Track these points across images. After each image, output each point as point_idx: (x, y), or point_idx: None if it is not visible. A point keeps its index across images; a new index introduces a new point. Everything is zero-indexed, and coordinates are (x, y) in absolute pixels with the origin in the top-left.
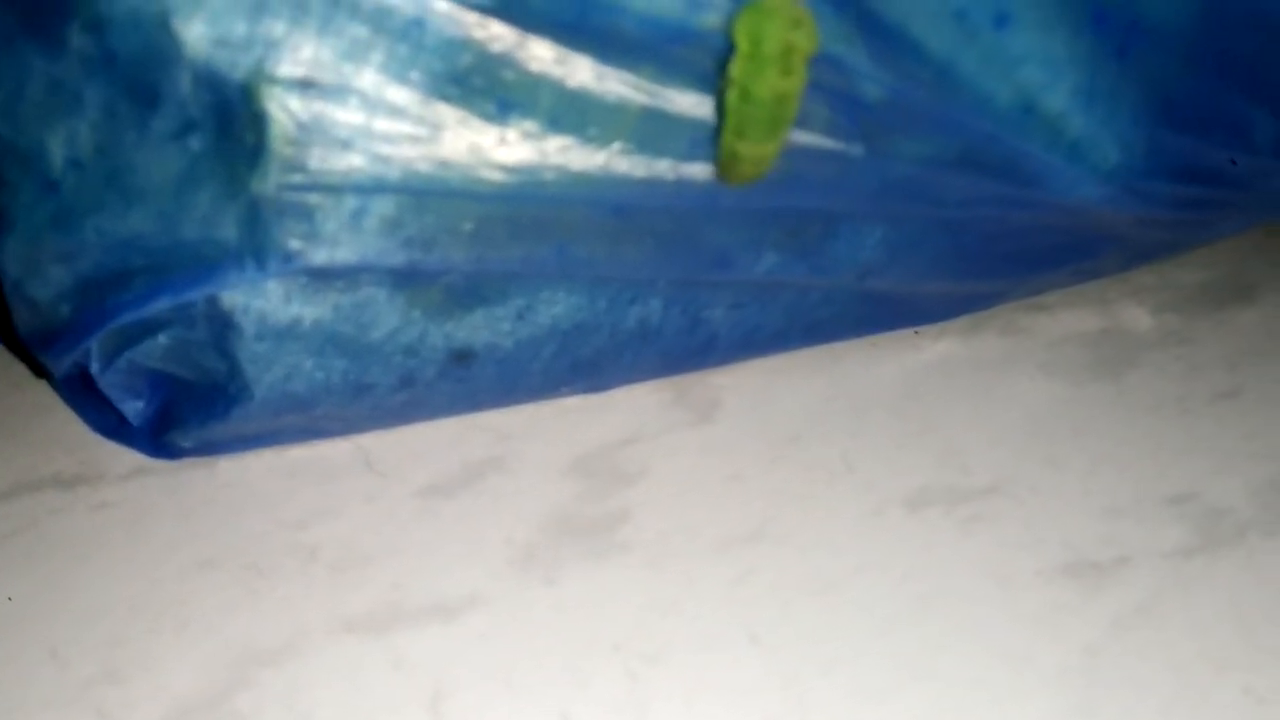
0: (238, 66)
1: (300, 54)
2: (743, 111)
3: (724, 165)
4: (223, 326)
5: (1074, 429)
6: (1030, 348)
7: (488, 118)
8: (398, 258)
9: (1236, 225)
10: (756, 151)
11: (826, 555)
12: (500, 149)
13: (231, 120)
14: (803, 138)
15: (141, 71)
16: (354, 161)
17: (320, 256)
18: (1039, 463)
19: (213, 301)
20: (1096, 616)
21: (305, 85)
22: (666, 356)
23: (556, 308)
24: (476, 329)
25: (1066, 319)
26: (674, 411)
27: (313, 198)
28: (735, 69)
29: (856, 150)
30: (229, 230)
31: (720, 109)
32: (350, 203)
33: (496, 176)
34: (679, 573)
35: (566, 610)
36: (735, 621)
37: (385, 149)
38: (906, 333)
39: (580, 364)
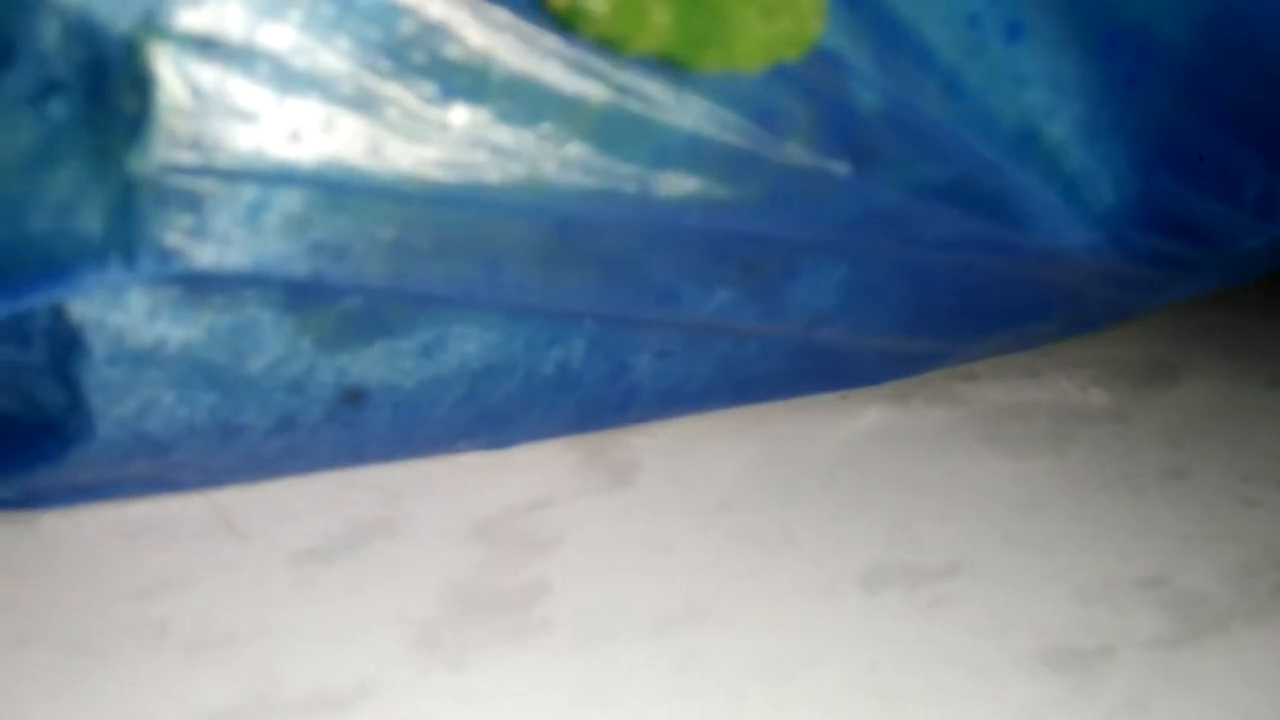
0: (121, 16)
1: (202, 6)
2: None
3: None
4: (67, 346)
5: (1024, 505)
6: (965, 418)
7: (427, 100)
8: (300, 267)
9: (1187, 290)
10: None
11: (779, 639)
12: (439, 140)
13: (107, 83)
14: (784, 151)
15: None
16: (259, 142)
17: (206, 258)
18: (996, 541)
19: (59, 313)
20: (1088, 714)
21: (205, 44)
22: (582, 409)
23: (468, 345)
24: (374, 365)
25: (996, 389)
26: (586, 473)
27: (203, 184)
28: None
29: (841, 169)
30: (92, 220)
31: None
32: (249, 193)
33: (431, 174)
34: (611, 658)
35: (479, 703)
36: (682, 715)
37: (299, 129)
38: (831, 398)
39: (487, 413)
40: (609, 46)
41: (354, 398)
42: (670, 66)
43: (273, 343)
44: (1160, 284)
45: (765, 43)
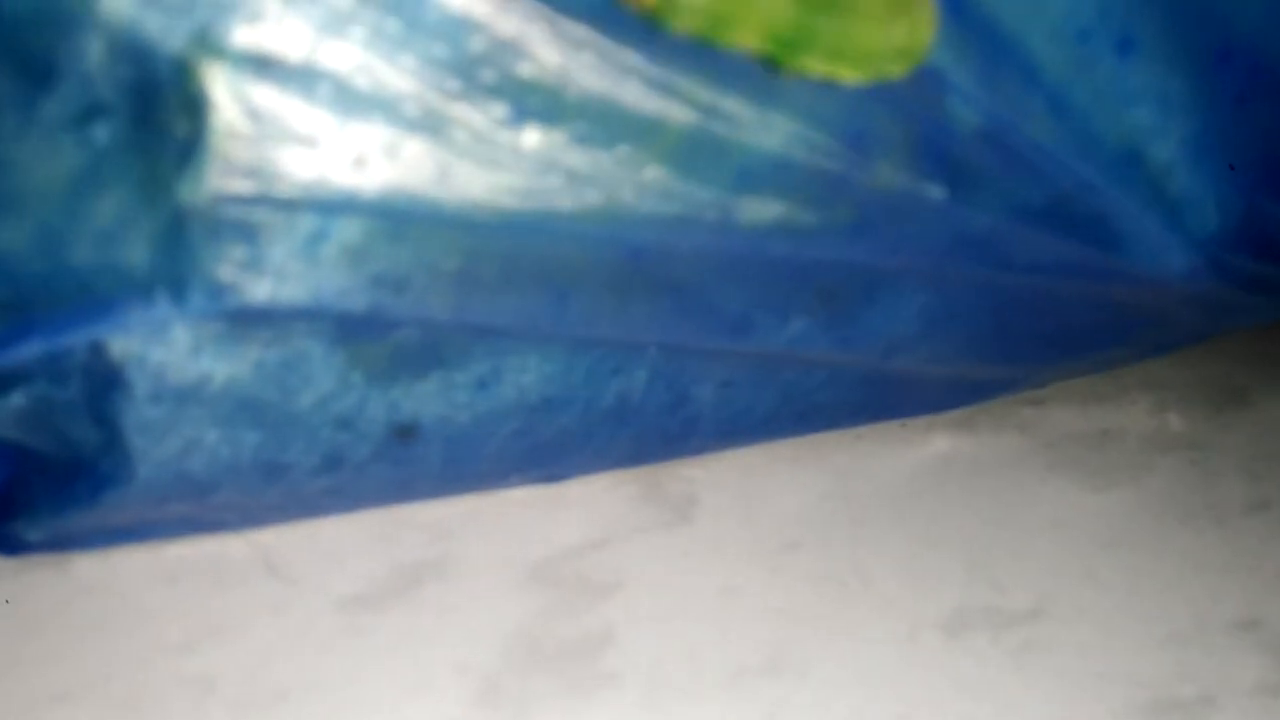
0: (173, 34)
1: (259, 22)
2: None
3: None
4: (106, 383)
5: (1105, 541)
6: (1032, 447)
7: (498, 123)
8: (359, 300)
9: (1271, 314)
10: None
11: (863, 692)
12: (510, 165)
13: (157, 105)
14: (875, 174)
15: (32, 36)
16: (319, 169)
17: (260, 292)
18: (1078, 580)
19: (98, 350)
20: None
21: (262, 64)
22: (640, 442)
23: (525, 377)
24: (427, 399)
25: (1062, 416)
26: (644, 509)
27: (259, 213)
28: None
29: (936, 192)
30: (138, 252)
31: None
32: (307, 223)
33: (501, 201)
34: (687, 714)
35: None
36: None
37: (361, 155)
38: (892, 425)
39: (541, 447)
40: (702, 42)
41: (405, 433)
42: (763, 72)
43: (322, 377)
44: (1248, 308)
45: (874, 52)
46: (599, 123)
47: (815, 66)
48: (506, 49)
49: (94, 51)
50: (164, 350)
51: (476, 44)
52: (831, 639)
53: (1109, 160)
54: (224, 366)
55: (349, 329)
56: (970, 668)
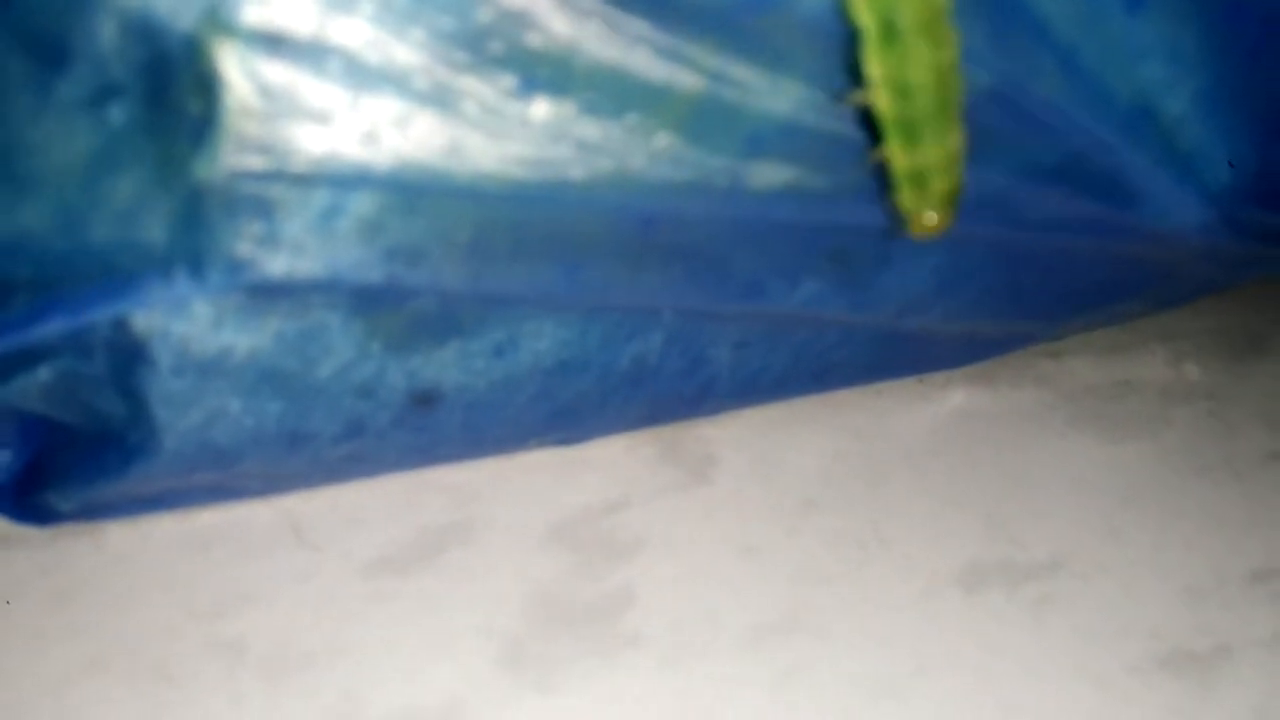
0: (183, 13)
1: (268, 0)
2: (905, 113)
3: (910, 199)
4: (130, 357)
5: (1123, 494)
6: (1050, 400)
7: (507, 94)
8: (375, 273)
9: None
10: (939, 154)
11: (881, 649)
12: (520, 136)
13: (170, 84)
14: None
15: (46, 18)
16: (332, 144)
17: (277, 267)
18: (1097, 535)
19: (121, 325)
20: None
21: (273, 41)
22: (657, 403)
23: (541, 343)
24: (445, 366)
25: (1080, 368)
26: (663, 470)
27: (274, 189)
28: (873, 64)
29: None
30: (156, 230)
31: (875, 135)
32: (321, 198)
33: (512, 172)
34: (707, 673)
35: None
36: None
37: (373, 129)
38: (909, 381)
39: (559, 411)
40: None
41: (425, 400)
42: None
43: (342, 347)
44: (1263, 260)
45: (952, 49)
46: (608, 92)
47: None
48: (514, 20)
49: (106, 32)
50: (186, 324)
51: (484, 16)
52: (849, 597)
53: (1121, 116)
54: (245, 339)
55: (366, 300)
56: (987, 624)
